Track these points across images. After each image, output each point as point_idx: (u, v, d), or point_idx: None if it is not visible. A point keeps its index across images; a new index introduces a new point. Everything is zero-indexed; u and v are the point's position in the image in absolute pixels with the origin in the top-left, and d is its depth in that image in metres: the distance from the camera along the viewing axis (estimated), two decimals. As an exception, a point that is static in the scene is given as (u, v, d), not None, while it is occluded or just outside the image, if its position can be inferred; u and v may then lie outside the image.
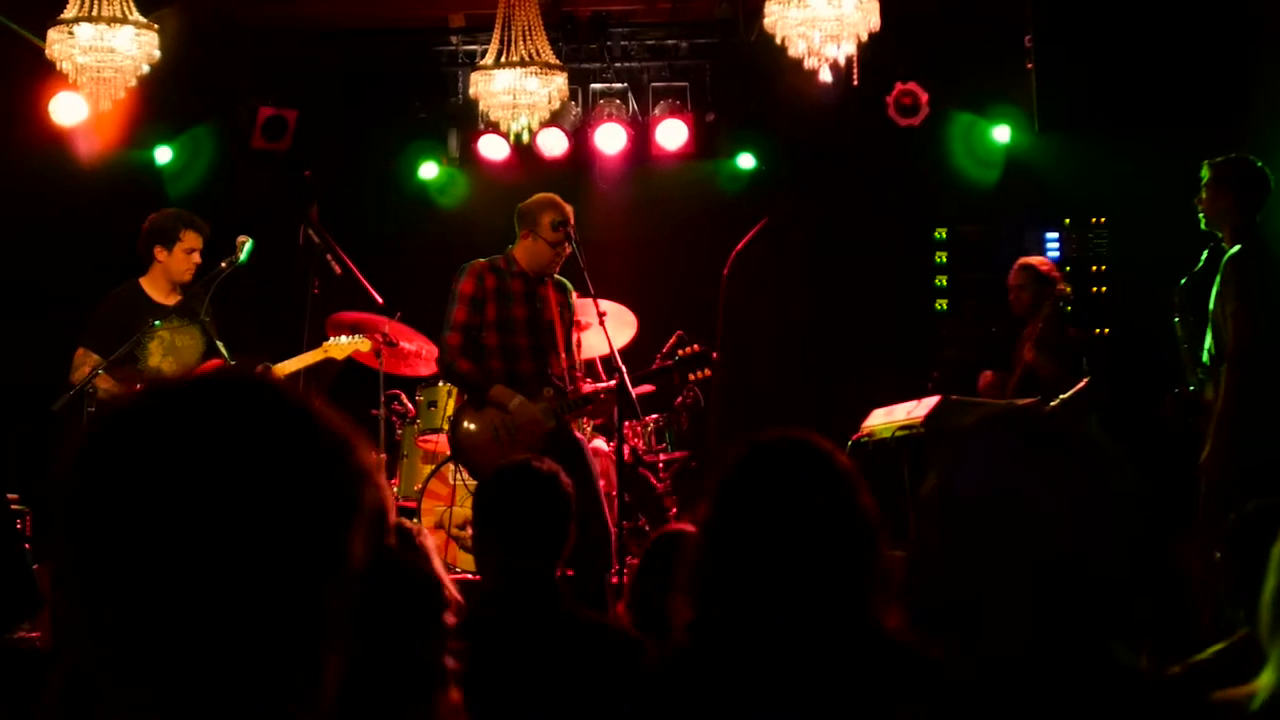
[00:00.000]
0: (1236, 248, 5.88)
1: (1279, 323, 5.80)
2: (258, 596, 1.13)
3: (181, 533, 1.12)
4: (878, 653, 2.18)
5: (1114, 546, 1.65)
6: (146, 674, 1.12)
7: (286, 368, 6.81)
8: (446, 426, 7.43)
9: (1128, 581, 1.66)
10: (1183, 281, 6.23)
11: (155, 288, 6.78)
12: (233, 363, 6.56)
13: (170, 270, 6.75)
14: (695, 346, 6.75)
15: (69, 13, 6.11)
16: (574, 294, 6.64)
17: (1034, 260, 7.38)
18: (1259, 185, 6.02)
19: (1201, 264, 6.16)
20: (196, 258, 6.75)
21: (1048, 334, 7.07)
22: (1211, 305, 5.90)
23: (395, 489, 7.76)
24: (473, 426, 6.25)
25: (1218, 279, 5.91)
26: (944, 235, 8.69)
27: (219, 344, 6.74)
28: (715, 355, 7.00)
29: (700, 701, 2.21)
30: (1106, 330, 8.40)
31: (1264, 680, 2.10)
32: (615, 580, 6.09)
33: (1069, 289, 7.26)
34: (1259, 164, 6.07)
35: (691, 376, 6.71)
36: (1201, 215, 6.08)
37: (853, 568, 2.22)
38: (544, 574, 3.24)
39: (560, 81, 6.86)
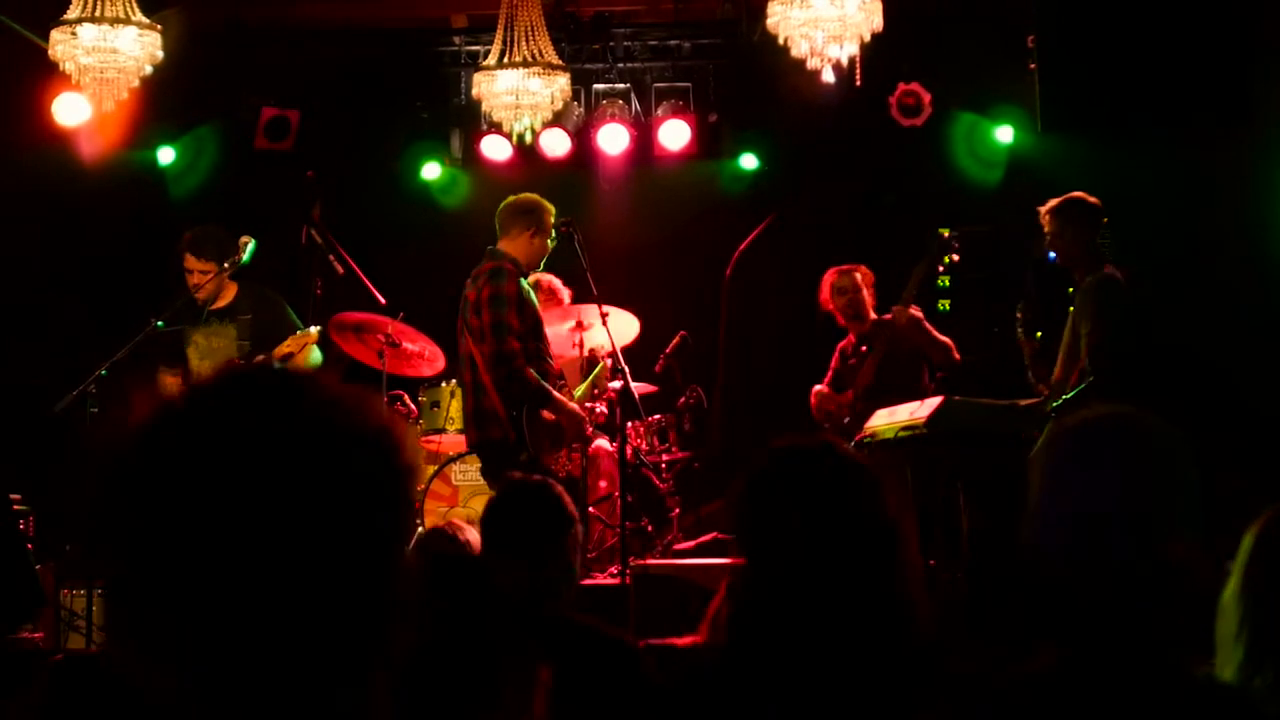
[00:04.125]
0: (1093, 275, 6.21)
1: (1130, 344, 6.15)
2: (314, 588, 1.12)
3: (228, 536, 1.11)
4: (908, 659, 2.18)
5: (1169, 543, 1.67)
6: (215, 687, 1.12)
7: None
8: (450, 427, 7.46)
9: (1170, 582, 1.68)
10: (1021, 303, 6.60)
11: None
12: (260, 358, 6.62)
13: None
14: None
15: (72, 13, 6.12)
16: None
17: (858, 268, 7.46)
18: (1093, 215, 6.34)
19: (1029, 288, 6.70)
20: (194, 278, 6.80)
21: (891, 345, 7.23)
22: (1067, 328, 6.21)
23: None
24: (546, 427, 6.28)
25: (1074, 305, 6.24)
26: (946, 235, 8.67)
27: (242, 342, 6.79)
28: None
29: (735, 705, 2.20)
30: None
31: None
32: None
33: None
34: (1090, 199, 6.37)
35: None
36: (1053, 254, 6.49)
37: (881, 573, 2.22)
38: (536, 579, 3.26)
39: (563, 82, 6.86)
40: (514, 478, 3.64)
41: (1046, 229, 6.41)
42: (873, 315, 7.45)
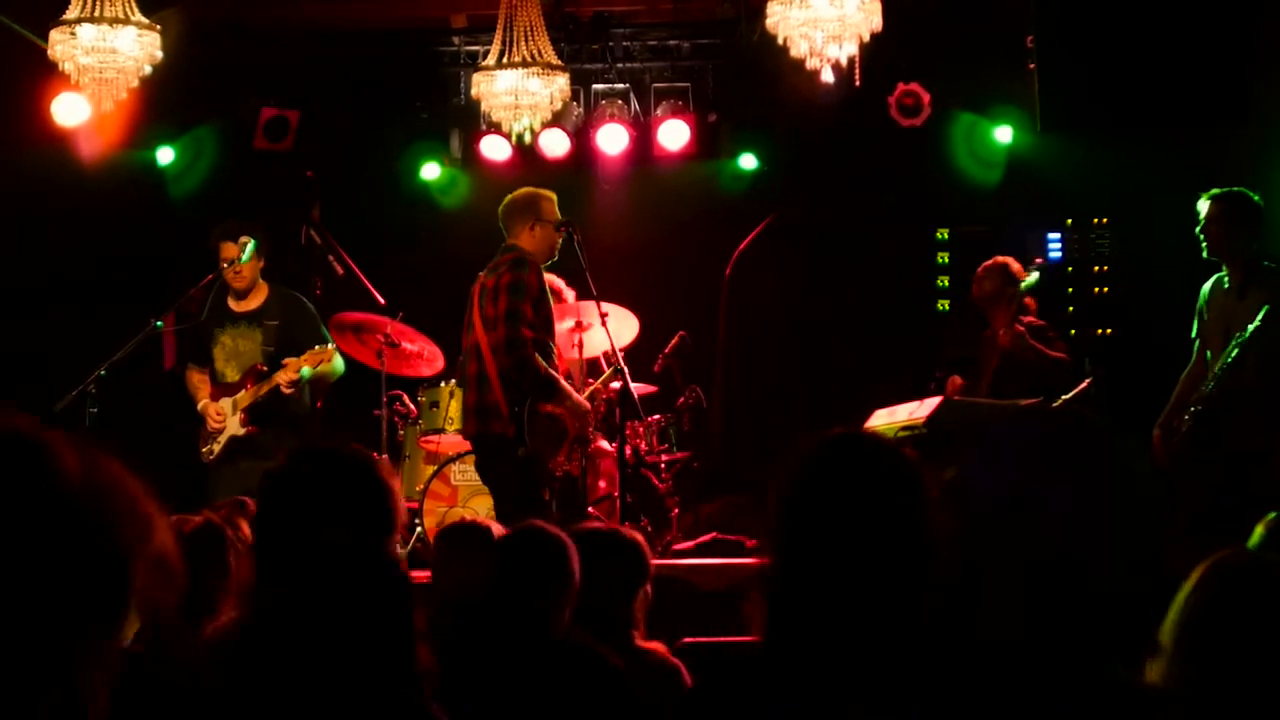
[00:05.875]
0: (1266, 273, 6.17)
1: None
2: None
3: None
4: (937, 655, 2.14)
5: (1119, 558, 1.63)
6: None
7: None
8: (449, 427, 7.45)
9: (1132, 596, 1.64)
10: (1206, 293, 6.42)
11: (229, 294, 6.98)
12: (283, 364, 6.67)
13: (226, 280, 6.91)
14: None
15: (71, 13, 6.12)
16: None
17: (1009, 261, 7.13)
18: (1258, 214, 6.25)
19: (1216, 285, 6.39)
20: (235, 265, 6.83)
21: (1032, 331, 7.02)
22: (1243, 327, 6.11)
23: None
24: (546, 424, 6.22)
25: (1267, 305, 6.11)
26: (946, 235, 8.69)
27: (268, 348, 6.77)
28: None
29: (776, 705, 2.17)
30: (1109, 330, 8.40)
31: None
32: None
33: (1032, 302, 7.10)
34: (1253, 196, 6.28)
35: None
36: (1205, 247, 6.27)
37: (924, 568, 2.18)
38: (545, 611, 3.26)
39: (562, 82, 6.86)
40: (533, 525, 3.60)
41: (1204, 214, 6.23)
42: (1001, 321, 6.94)
